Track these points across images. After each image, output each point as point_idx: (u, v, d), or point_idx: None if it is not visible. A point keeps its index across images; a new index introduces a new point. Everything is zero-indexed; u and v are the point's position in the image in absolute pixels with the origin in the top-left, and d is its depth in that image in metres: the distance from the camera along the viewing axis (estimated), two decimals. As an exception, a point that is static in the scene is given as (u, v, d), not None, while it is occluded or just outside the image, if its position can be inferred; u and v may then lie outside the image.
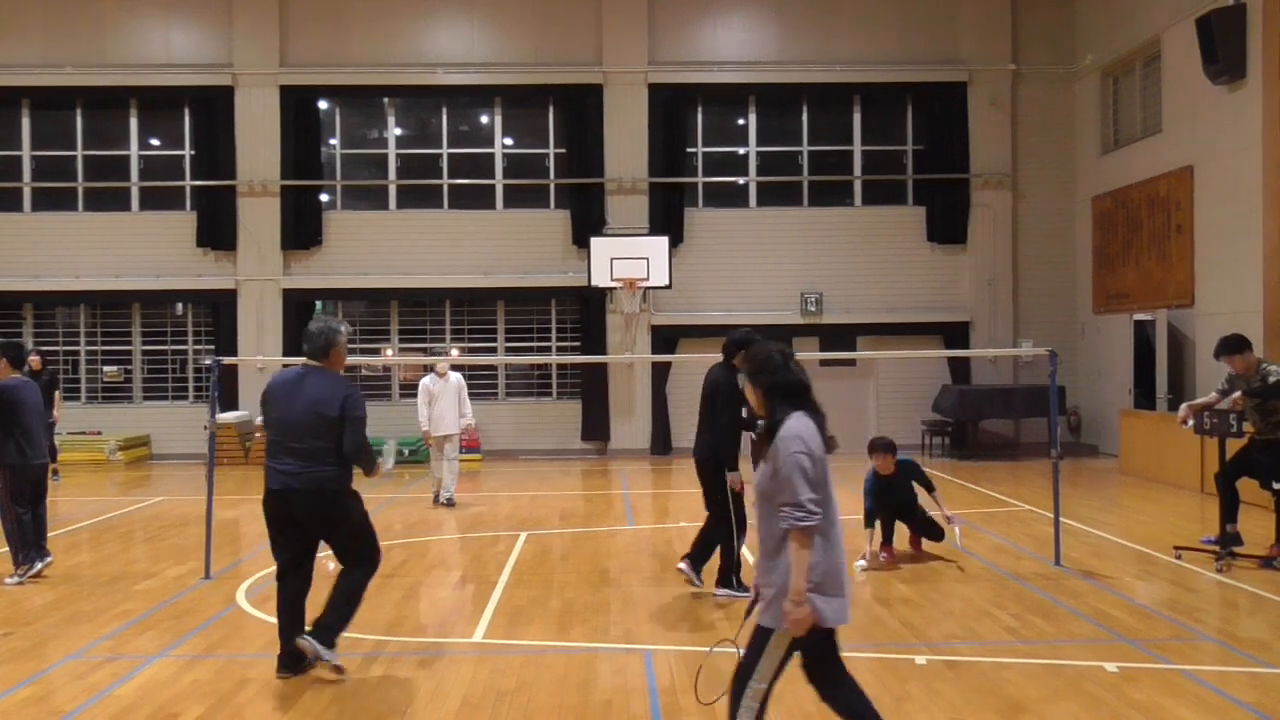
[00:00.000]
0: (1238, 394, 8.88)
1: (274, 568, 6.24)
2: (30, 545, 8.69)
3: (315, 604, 6.19)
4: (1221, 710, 5.46)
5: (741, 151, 19.36)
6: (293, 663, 6.12)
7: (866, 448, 9.14)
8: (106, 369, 19.10)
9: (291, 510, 6.00)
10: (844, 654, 6.43)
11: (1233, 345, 8.98)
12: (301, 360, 6.24)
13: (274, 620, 6.32)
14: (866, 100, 19.20)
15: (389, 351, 19.25)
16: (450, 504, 12.84)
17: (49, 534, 9.10)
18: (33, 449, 8.66)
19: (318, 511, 6.01)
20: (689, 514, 12.02)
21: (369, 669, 6.28)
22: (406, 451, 17.51)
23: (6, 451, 8.53)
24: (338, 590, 6.18)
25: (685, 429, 18.61)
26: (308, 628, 6.14)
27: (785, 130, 19.29)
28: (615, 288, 17.69)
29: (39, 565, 8.70)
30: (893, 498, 9.15)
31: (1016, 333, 18.79)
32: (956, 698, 5.65)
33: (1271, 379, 8.70)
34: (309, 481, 5.92)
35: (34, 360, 14.43)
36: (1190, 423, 9.14)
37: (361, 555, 6.22)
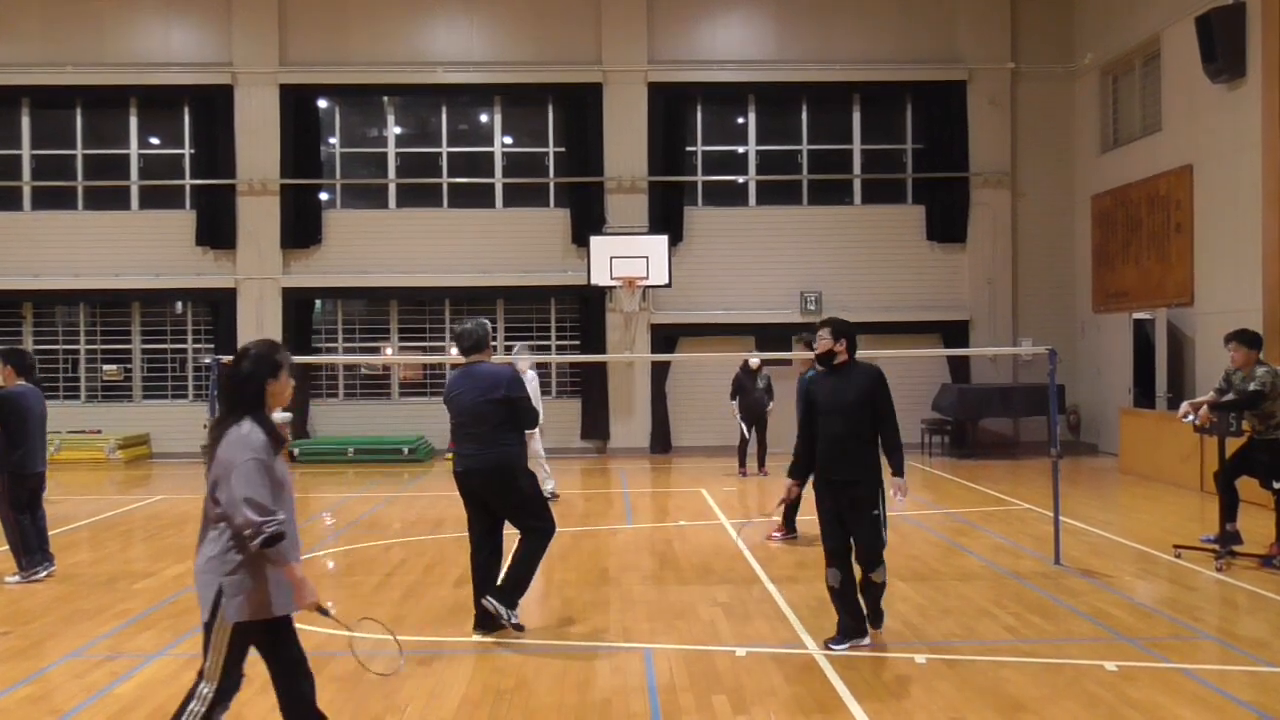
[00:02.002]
0: (1212, 395, 9.00)
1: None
2: (35, 549, 8.72)
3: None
4: (1221, 709, 5.47)
5: (741, 150, 19.35)
6: (486, 622, 6.87)
7: None
8: (106, 368, 19.10)
9: (472, 489, 6.87)
10: (844, 653, 6.46)
11: (1247, 339, 9.01)
12: (463, 360, 7.04)
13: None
14: (866, 99, 19.20)
15: (388, 350, 19.25)
16: (553, 497, 12.44)
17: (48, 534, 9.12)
18: (33, 456, 8.70)
19: (492, 487, 6.83)
20: (689, 513, 12.02)
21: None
22: (407, 450, 17.54)
23: (9, 458, 8.56)
24: (516, 558, 6.92)
25: (685, 428, 18.65)
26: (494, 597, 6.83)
27: (785, 129, 19.28)
28: (615, 286, 17.70)
29: (43, 574, 8.71)
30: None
31: (1016, 331, 18.80)
32: (956, 697, 5.65)
33: (1251, 386, 8.73)
34: (484, 462, 6.77)
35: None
36: (1191, 417, 9.19)
37: (537, 522, 6.93)
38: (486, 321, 7.15)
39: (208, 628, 4.17)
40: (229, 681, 4.23)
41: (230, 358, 4.35)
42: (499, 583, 6.88)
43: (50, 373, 18.66)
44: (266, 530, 4.05)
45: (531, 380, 11.96)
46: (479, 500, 6.92)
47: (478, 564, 6.96)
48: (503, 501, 6.88)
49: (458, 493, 6.99)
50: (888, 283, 18.72)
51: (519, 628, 6.89)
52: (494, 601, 6.77)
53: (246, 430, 4.20)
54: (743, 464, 15.12)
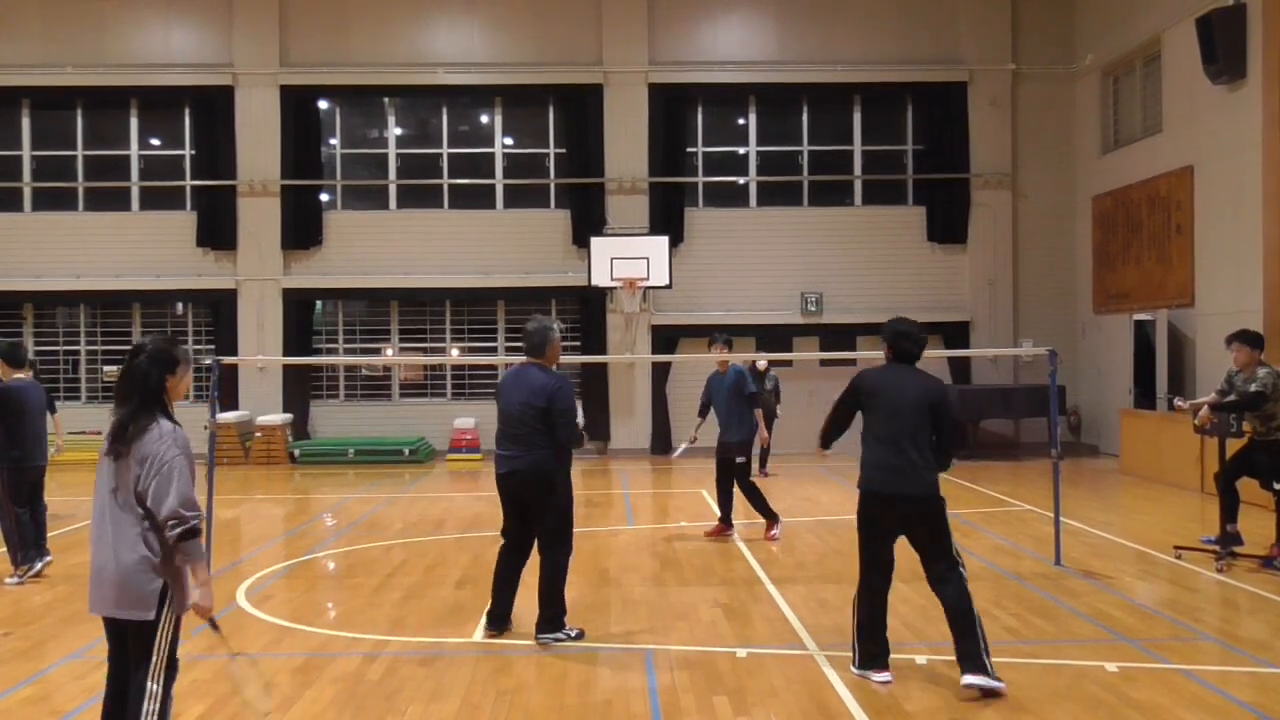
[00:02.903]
0: (1213, 396, 9.04)
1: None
2: (30, 545, 8.71)
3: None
4: (1221, 710, 5.47)
5: (741, 151, 19.36)
6: (499, 623, 6.92)
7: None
8: (106, 369, 19.09)
9: (512, 491, 6.84)
10: (845, 654, 6.45)
11: (1249, 338, 9.03)
12: (521, 359, 7.01)
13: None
14: (866, 100, 19.20)
15: (389, 351, 19.26)
16: None
17: (48, 533, 9.11)
18: (33, 450, 8.70)
19: (531, 490, 6.77)
20: (689, 514, 12.02)
21: (369, 669, 6.28)
22: (407, 451, 17.54)
23: (9, 453, 8.55)
24: (542, 585, 6.83)
25: (685, 429, 18.51)
26: (537, 630, 6.82)
27: (785, 130, 19.29)
28: (615, 287, 17.69)
29: (39, 565, 8.71)
30: (717, 398, 10.31)
31: (1016, 332, 18.79)
32: (956, 697, 5.64)
33: (1253, 387, 8.74)
34: (526, 464, 6.71)
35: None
36: (1189, 405, 9.53)
37: (557, 538, 6.85)
38: (551, 325, 6.93)
39: (151, 626, 4.15)
40: (172, 673, 4.26)
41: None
42: (539, 618, 6.82)
43: (51, 373, 18.66)
44: (190, 522, 4.09)
45: None
46: (518, 504, 6.88)
47: (501, 568, 6.94)
48: (539, 506, 6.81)
49: (498, 491, 6.96)
50: (888, 284, 18.71)
51: (579, 636, 6.85)
52: (545, 637, 6.76)
53: (170, 427, 4.22)
54: (763, 465, 15.08)
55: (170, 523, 4.08)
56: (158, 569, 4.16)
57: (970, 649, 5.65)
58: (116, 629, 4.29)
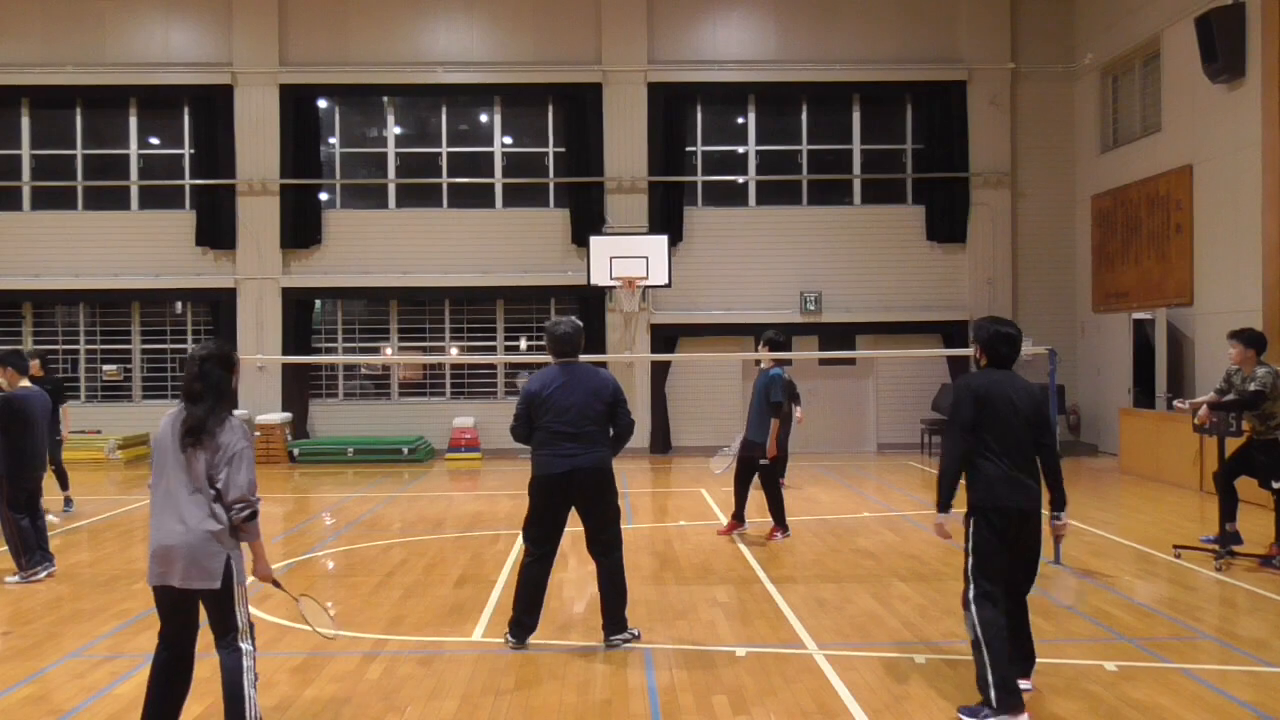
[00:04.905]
0: (1212, 395, 9.05)
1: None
2: (34, 549, 8.71)
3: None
4: (1220, 709, 5.47)
5: (741, 150, 19.35)
6: (528, 634, 6.71)
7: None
8: (106, 368, 19.10)
9: (572, 490, 6.61)
10: (844, 653, 6.46)
11: (1246, 338, 9.02)
12: (555, 360, 6.97)
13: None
14: (866, 99, 19.20)
15: (388, 350, 19.26)
16: None
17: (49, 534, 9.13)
18: (34, 459, 8.69)
19: (596, 488, 6.65)
20: (689, 513, 12.02)
21: (369, 669, 6.28)
22: (406, 450, 17.54)
23: (10, 461, 8.55)
24: (603, 587, 6.75)
25: (685, 428, 18.64)
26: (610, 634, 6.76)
27: (785, 129, 19.29)
28: (615, 287, 17.68)
29: (43, 574, 8.71)
30: (755, 397, 10.28)
31: (1016, 332, 18.77)
32: (956, 696, 5.65)
33: (1252, 386, 8.75)
34: (590, 461, 6.59)
35: (33, 365, 14.12)
36: (1188, 405, 9.55)
37: (613, 535, 6.78)
38: (580, 324, 6.99)
39: (223, 594, 4.63)
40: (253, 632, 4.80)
41: (223, 355, 4.89)
42: (611, 615, 6.70)
43: (50, 373, 18.64)
44: (255, 505, 4.70)
45: None
46: (567, 504, 6.65)
47: (538, 578, 6.69)
48: (601, 504, 6.67)
49: (538, 497, 6.63)
50: (888, 283, 18.72)
51: (638, 635, 6.79)
52: (619, 637, 6.67)
53: (239, 420, 4.82)
54: None
55: (238, 505, 4.63)
56: (225, 545, 4.64)
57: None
58: (180, 600, 4.68)
